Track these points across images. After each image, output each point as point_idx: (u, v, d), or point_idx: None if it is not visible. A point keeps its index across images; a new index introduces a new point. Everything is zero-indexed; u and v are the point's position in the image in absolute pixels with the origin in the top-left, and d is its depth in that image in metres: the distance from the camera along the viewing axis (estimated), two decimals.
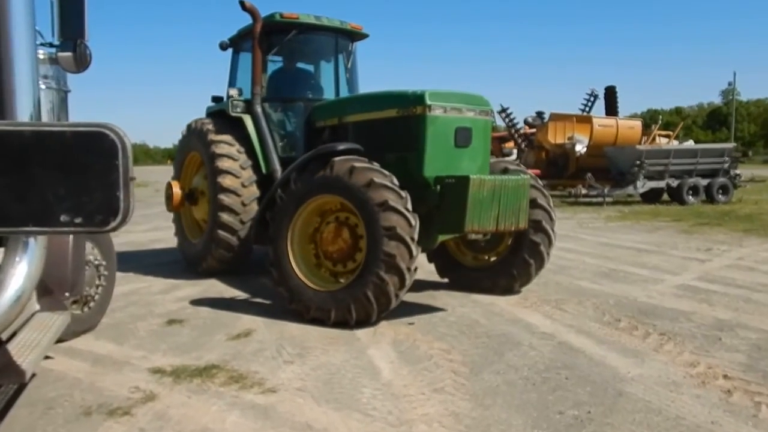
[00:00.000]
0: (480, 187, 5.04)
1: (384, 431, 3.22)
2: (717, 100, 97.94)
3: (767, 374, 3.94)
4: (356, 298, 4.96)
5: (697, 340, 4.72)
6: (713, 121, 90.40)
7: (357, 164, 5.14)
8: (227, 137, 7.07)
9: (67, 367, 4.14)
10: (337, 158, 5.26)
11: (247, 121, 7.14)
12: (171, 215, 8.23)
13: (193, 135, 7.51)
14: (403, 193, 5.01)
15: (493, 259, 6.51)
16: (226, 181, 6.83)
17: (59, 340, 4.11)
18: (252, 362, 4.28)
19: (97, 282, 4.84)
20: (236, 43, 7.88)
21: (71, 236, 3.66)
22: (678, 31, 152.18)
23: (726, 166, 18.88)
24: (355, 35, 7.81)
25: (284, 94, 7.54)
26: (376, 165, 5.21)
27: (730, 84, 75.49)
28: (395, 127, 5.66)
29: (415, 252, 4.94)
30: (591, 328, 5.08)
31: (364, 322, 5.03)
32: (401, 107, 5.58)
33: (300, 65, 8.16)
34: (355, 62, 7.93)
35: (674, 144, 20.45)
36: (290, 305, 5.40)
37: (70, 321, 3.66)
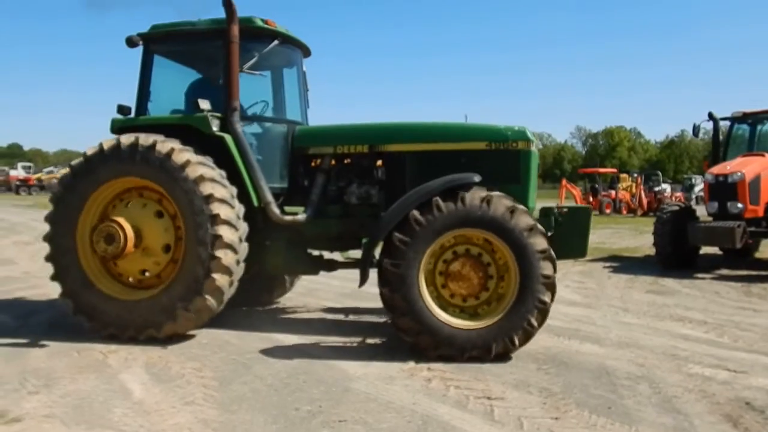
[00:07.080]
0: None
1: None
2: None
3: (460, 366, 4.97)
4: (520, 326, 4.98)
5: None
6: None
7: (508, 202, 5.08)
8: (204, 158, 5.65)
9: None
10: (472, 190, 5.13)
11: (229, 141, 5.86)
12: None
13: (129, 155, 5.57)
14: None
15: None
16: (224, 211, 5.45)
17: None
18: None
19: None
20: (154, 42, 6.39)
21: None
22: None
23: None
24: (307, 51, 7.12)
25: (254, 112, 6.56)
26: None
27: None
28: (485, 160, 5.76)
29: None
30: (332, 342, 5.76)
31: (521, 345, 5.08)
32: (495, 141, 5.80)
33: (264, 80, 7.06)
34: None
35: None
36: (435, 352, 5.04)
37: None
